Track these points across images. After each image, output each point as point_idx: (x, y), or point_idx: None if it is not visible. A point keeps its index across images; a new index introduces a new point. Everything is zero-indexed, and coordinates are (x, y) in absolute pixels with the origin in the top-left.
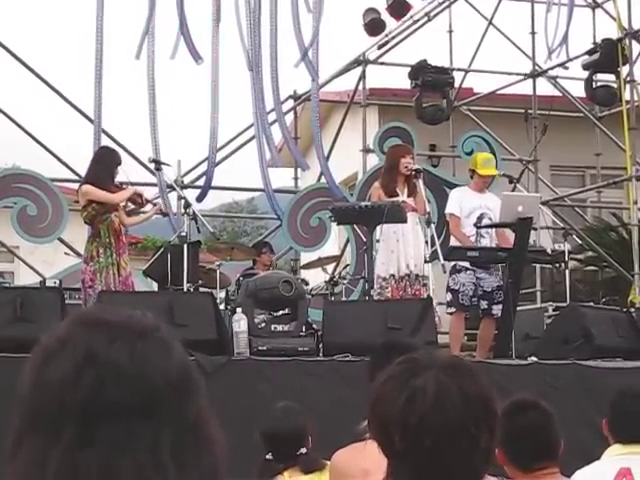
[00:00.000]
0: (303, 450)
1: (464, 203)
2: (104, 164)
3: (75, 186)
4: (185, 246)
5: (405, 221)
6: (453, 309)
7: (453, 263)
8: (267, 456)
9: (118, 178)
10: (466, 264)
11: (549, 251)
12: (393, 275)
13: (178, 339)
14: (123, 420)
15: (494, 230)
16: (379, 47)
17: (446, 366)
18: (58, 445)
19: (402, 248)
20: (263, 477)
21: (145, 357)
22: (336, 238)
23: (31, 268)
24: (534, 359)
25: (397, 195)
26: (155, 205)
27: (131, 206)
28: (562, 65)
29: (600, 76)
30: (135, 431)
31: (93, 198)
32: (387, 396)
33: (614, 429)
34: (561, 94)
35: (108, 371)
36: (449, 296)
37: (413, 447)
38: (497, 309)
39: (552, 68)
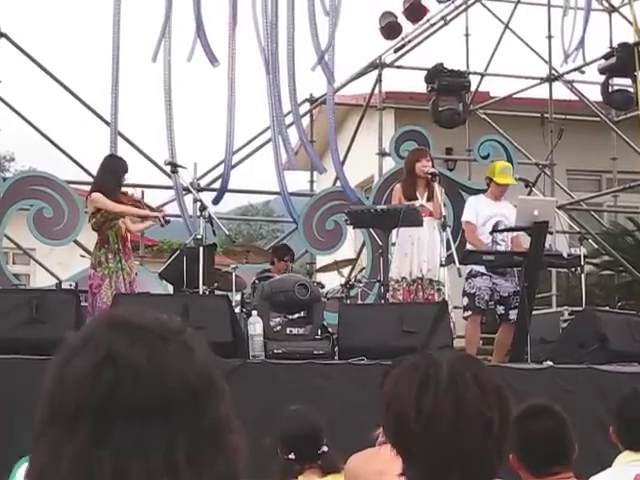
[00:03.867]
0: (325, 448)
1: (480, 211)
2: (111, 172)
3: None
4: (201, 249)
5: (421, 225)
6: (469, 312)
7: (469, 269)
8: (290, 456)
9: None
10: (482, 269)
11: (565, 255)
12: (405, 278)
13: (204, 344)
14: (138, 421)
15: (509, 239)
16: (395, 50)
17: (458, 357)
18: (73, 442)
19: (416, 252)
20: (285, 477)
21: (164, 360)
22: (352, 241)
23: (47, 270)
24: (550, 363)
25: (416, 199)
26: (159, 213)
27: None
28: (578, 69)
29: (617, 80)
30: (150, 433)
31: (101, 207)
32: (400, 384)
33: (623, 437)
34: (577, 98)
35: (126, 372)
36: (465, 300)
37: (428, 429)
38: (514, 314)
39: (568, 72)
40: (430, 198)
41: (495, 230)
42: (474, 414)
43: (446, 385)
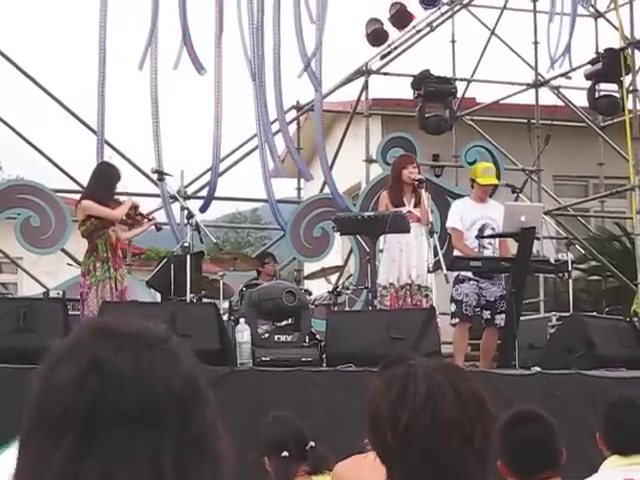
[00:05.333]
0: (312, 443)
1: (465, 215)
2: (104, 180)
3: (78, 197)
4: (188, 256)
5: (408, 231)
6: (457, 320)
7: (456, 273)
8: (283, 454)
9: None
10: (469, 274)
11: (552, 261)
12: (392, 284)
13: (189, 352)
14: (125, 429)
15: (497, 241)
16: (382, 57)
17: (439, 367)
18: (59, 450)
19: (404, 258)
20: (282, 475)
21: (150, 367)
22: (339, 248)
23: (34, 279)
24: (537, 369)
25: (403, 205)
26: (150, 220)
27: (128, 221)
28: (565, 75)
29: (603, 86)
30: (136, 441)
31: (94, 214)
32: (378, 395)
33: (610, 442)
34: (564, 104)
35: (112, 379)
36: (453, 307)
37: (405, 444)
38: (500, 318)
39: (555, 78)
40: (417, 204)
41: (481, 236)
42: (452, 430)
43: (424, 397)
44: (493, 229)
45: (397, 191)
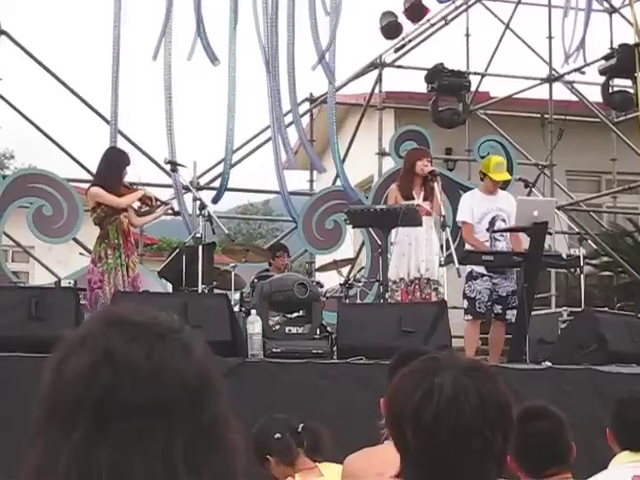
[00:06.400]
0: (302, 425)
1: (475, 208)
2: (113, 166)
3: None
4: (200, 247)
5: (420, 225)
6: (470, 317)
7: (469, 269)
8: (276, 435)
9: (131, 179)
10: (482, 270)
11: (564, 256)
12: (403, 278)
13: (202, 342)
14: (136, 419)
15: (508, 234)
16: (396, 50)
17: (466, 368)
18: (71, 439)
19: (414, 252)
20: (283, 455)
21: (162, 358)
22: (351, 241)
23: (46, 268)
24: (548, 364)
25: (413, 198)
26: (167, 205)
27: (144, 208)
28: (579, 70)
29: (617, 81)
30: (147, 431)
31: (101, 201)
32: (403, 391)
33: (621, 438)
34: (577, 99)
35: (124, 370)
36: (465, 303)
37: (425, 444)
38: (511, 314)
39: (569, 73)
40: (426, 198)
41: (493, 231)
42: (473, 432)
43: (448, 400)
44: (504, 220)
45: (408, 184)
